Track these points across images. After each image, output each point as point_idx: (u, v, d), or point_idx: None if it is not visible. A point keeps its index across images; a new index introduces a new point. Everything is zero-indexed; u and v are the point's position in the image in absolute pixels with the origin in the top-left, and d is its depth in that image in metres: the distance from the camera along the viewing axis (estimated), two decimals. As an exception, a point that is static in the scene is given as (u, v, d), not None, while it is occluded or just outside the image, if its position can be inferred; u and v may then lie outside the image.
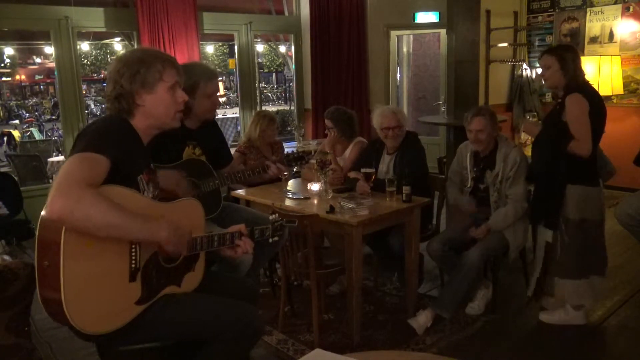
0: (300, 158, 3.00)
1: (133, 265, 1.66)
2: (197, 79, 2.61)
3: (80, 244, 1.51)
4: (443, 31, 6.18)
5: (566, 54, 2.91)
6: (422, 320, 3.04)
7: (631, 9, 5.85)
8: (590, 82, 3.03)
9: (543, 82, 3.05)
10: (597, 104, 2.87)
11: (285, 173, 3.32)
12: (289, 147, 5.13)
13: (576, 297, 3.05)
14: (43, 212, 1.48)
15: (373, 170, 3.35)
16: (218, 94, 2.76)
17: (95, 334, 1.63)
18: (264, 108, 13.51)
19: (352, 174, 3.42)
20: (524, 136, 6.72)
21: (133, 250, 1.66)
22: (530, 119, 3.34)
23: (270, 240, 2.13)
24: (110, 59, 20.29)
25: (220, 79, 5.62)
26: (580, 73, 2.92)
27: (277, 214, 2.19)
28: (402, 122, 3.49)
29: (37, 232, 1.56)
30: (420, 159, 3.49)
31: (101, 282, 1.58)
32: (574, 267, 3.00)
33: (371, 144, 3.68)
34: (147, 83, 1.75)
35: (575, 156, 2.83)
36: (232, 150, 3.75)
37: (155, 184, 1.87)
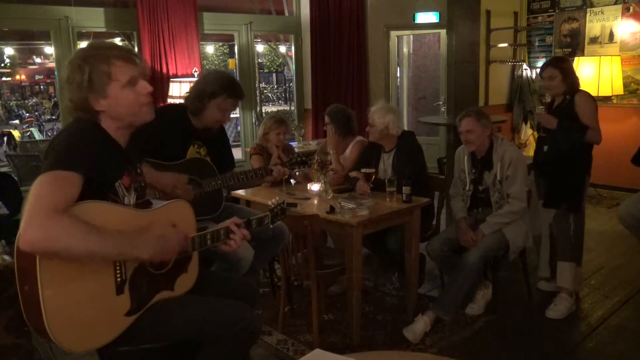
0: (302, 162, 2.99)
1: (119, 279, 1.61)
2: (219, 90, 2.63)
3: (58, 268, 1.45)
4: (443, 31, 6.17)
5: (565, 64, 3.37)
6: (419, 328, 3.00)
7: (631, 10, 5.85)
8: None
9: (546, 90, 3.54)
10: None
11: (294, 180, 3.32)
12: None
13: (576, 281, 3.36)
14: (17, 243, 1.41)
15: (373, 170, 3.35)
16: (232, 112, 2.77)
17: (85, 351, 1.60)
18: (264, 108, 13.52)
19: (353, 174, 3.42)
20: (523, 136, 6.73)
21: (117, 263, 1.60)
22: (544, 111, 3.49)
23: (272, 226, 2.06)
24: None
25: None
26: (577, 77, 3.42)
27: (277, 198, 2.12)
28: (377, 121, 3.46)
29: (14, 258, 1.49)
30: (414, 157, 3.46)
31: (85, 301, 1.53)
32: (577, 251, 3.40)
33: (371, 143, 3.69)
34: (96, 89, 1.62)
35: (588, 146, 3.31)
36: (237, 151, 3.74)
37: (139, 186, 1.79)
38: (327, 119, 3.85)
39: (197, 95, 2.66)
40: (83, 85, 1.62)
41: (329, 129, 3.82)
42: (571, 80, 3.33)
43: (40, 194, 1.44)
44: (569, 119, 3.25)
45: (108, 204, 1.60)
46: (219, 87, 2.64)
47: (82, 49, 1.75)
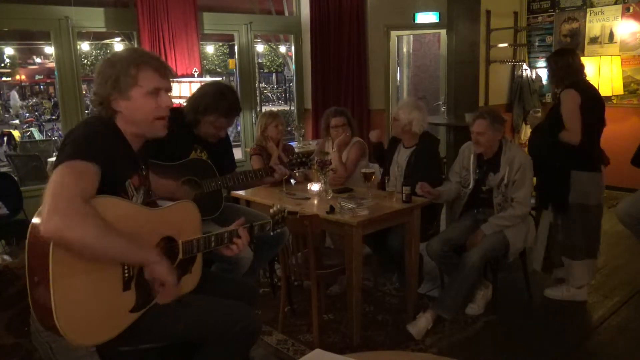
0: (303, 163, 2.99)
1: (126, 275, 1.63)
2: (211, 108, 2.63)
3: (69, 260, 1.48)
4: (443, 31, 6.17)
5: (554, 57, 3.32)
6: (421, 324, 3.02)
7: (631, 10, 5.85)
8: (586, 79, 3.36)
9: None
10: (590, 98, 3.21)
11: (294, 180, 3.32)
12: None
13: (579, 277, 3.36)
14: (36, 221, 1.44)
15: (373, 170, 3.37)
16: (228, 128, 2.78)
17: (89, 345, 1.62)
18: (264, 108, 13.50)
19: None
20: (523, 136, 6.73)
21: None
22: (534, 114, 3.51)
23: (272, 233, 2.08)
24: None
25: (220, 79, 5.68)
26: (571, 71, 3.26)
27: (278, 206, 2.14)
28: (401, 116, 3.50)
29: (26, 248, 1.51)
30: (433, 166, 3.51)
31: (93, 295, 1.55)
32: (577, 248, 3.33)
33: (392, 139, 3.78)
34: (120, 89, 1.67)
35: (573, 145, 3.16)
36: (237, 151, 3.74)
37: (147, 188, 1.83)
38: (343, 120, 3.80)
39: (191, 109, 2.67)
40: (109, 82, 1.67)
41: (344, 130, 3.78)
42: (559, 76, 3.25)
43: (62, 183, 1.46)
44: (558, 117, 3.21)
45: (120, 199, 1.62)
46: (210, 106, 2.63)
47: (124, 50, 1.84)
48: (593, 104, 3.24)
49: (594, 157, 3.31)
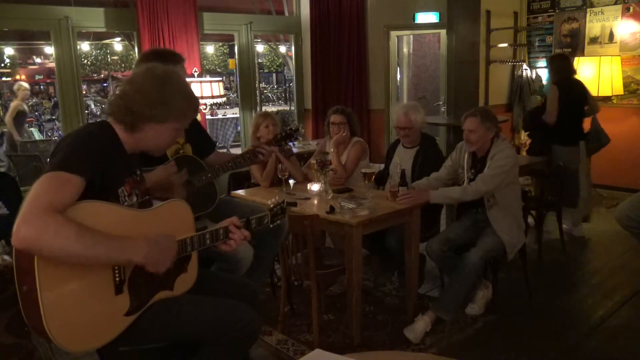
0: (289, 135, 2.91)
1: (117, 279, 1.60)
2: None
3: (56, 267, 1.45)
4: (443, 31, 6.17)
5: (550, 59, 4.78)
6: (419, 328, 2.99)
7: (631, 10, 5.85)
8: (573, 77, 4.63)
9: None
10: (567, 93, 4.44)
11: (286, 173, 3.31)
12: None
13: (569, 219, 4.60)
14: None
15: (374, 170, 3.36)
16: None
17: (84, 351, 1.61)
18: (264, 108, 13.50)
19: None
20: (523, 136, 6.73)
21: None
22: None
23: (271, 226, 2.04)
24: (111, 59, 20.23)
25: (220, 79, 5.72)
26: (558, 72, 4.55)
27: (277, 197, 2.11)
28: (413, 124, 3.56)
29: (13, 257, 1.49)
30: (439, 163, 3.53)
31: (84, 301, 1.53)
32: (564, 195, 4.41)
33: (394, 142, 3.88)
34: (161, 118, 1.71)
35: (553, 125, 4.49)
36: (237, 151, 3.71)
37: (141, 191, 1.80)
38: (341, 118, 3.79)
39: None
40: (157, 106, 1.69)
41: (341, 128, 3.77)
42: (551, 73, 4.55)
43: (38, 193, 1.44)
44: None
45: (104, 203, 1.58)
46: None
47: (177, 80, 1.78)
48: (568, 96, 4.39)
49: (571, 135, 4.48)
